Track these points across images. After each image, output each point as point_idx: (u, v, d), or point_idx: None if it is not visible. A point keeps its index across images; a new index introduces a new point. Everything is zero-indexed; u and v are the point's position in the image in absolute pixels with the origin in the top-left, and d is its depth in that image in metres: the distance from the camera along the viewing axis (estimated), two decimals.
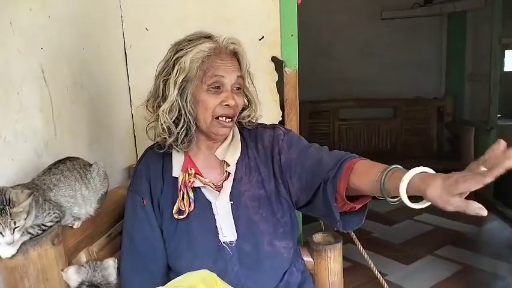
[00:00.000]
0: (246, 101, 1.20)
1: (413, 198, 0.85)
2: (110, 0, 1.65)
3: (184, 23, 1.66)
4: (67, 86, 1.34)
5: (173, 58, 1.09)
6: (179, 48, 1.10)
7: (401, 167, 0.91)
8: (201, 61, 1.07)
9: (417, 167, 0.85)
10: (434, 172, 0.83)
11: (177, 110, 1.10)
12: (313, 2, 4.37)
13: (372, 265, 1.36)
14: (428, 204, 0.82)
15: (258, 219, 1.14)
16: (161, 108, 1.09)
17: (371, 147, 4.56)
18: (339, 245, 1.41)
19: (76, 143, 1.38)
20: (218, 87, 1.09)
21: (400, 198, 0.86)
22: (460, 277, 2.71)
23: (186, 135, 1.12)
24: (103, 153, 1.51)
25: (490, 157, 0.73)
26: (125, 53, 1.71)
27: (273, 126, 1.24)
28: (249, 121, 1.22)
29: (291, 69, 1.69)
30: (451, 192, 0.75)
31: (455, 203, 0.75)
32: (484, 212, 0.72)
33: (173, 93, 1.08)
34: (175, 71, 1.08)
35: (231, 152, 1.17)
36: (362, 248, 1.40)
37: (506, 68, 4.72)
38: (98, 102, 1.53)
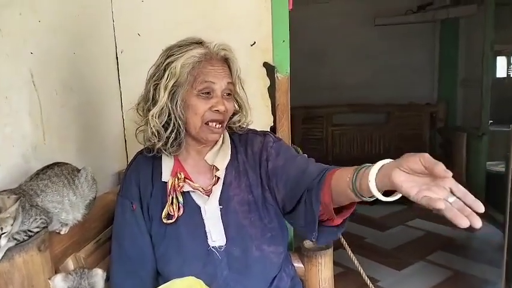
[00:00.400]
0: (236, 106, 1.20)
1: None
2: (101, 5, 1.65)
3: (176, 28, 1.66)
4: (57, 90, 1.34)
5: (165, 63, 1.09)
6: (170, 53, 1.10)
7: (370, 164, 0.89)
8: (191, 66, 1.07)
9: (381, 161, 0.85)
10: None
11: (167, 114, 1.10)
12: (307, 8, 4.40)
13: (362, 271, 1.36)
14: (399, 196, 0.81)
15: (247, 223, 1.14)
16: (151, 112, 1.09)
17: (364, 152, 4.57)
18: (330, 251, 1.40)
19: (65, 148, 1.38)
20: (208, 93, 1.09)
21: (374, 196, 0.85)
22: (451, 283, 2.72)
23: (175, 139, 1.12)
24: (93, 158, 1.50)
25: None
26: (117, 57, 1.70)
27: (264, 133, 1.24)
28: (240, 126, 1.23)
29: (283, 74, 1.69)
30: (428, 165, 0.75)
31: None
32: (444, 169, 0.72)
33: (163, 98, 1.08)
34: (165, 75, 1.08)
35: (221, 157, 1.17)
36: (351, 253, 1.40)
37: (498, 74, 4.77)
38: (88, 107, 1.52)
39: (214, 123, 1.11)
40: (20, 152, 1.16)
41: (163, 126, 1.11)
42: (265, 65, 1.70)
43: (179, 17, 1.69)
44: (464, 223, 0.70)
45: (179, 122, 1.10)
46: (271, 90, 1.71)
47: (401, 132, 4.51)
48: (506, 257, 1.84)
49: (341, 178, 0.95)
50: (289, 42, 1.69)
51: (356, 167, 0.92)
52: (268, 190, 1.16)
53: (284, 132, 1.74)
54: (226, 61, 1.13)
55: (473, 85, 4.00)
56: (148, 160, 1.19)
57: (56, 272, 1.06)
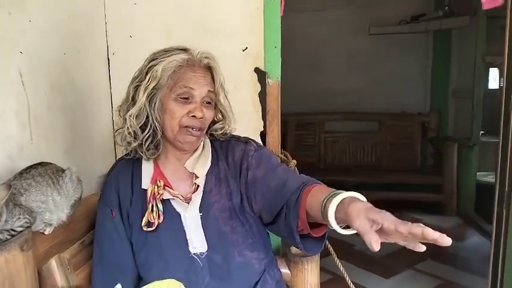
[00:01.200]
0: (220, 116, 1.21)
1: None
2: (94, 6, 1.65)
3: (169, 31, 1.67)
4: (46, 91, 1.33)
5: (147, 66, 1.11)
6: (154, 57, 1.12)
7: (344, 192, 0.90)
8: (172, 70, 1.08)
9: (350, 192, 0.86)
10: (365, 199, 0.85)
11: (145, 116, 1.11)
12: (302, 15, 4.43)
13: (347, 278, 1.36)
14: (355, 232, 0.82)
15: (228, 230, 1.14)
16: (129, 113, 1.11)
17: (356, 160, 4.58)
18: (317, 258, 1.40)
19: (53, 149, 1.37)
20: (186, 98, 1.10)
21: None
22: None
23: (152, 141, 1.13)
24: (81, 159, 1.50)
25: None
26: (108, 59, 1.70)
27: (246, 140, 1.24)
28: (222, 133, 1.23)
29: (274, 80, 1.70)
30: (368, 214, 0.76)
31: (363, 222, 0.76)
32: (375, 248, 0.72)
33: (142, 99, 1.09)
34: (147, 78, 1.09)
35: (201, 164, 1.17)
36: (337, 260, 1.40)
37: (490, 86, 4.82)
38: (78, 108, 1.52)
39: (191, 128, 1.11)
40: (6, 152, 1.16)
41: (140, 127, 1.11)
42: (257, 70, 1.70)
43: (172, 20, 1.70)
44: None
45: (156, 124, 1.11)
46: (262, 96, 1.72)
47: (393, 141, 4.52)
48: (491, 266, 1.85)
49: (314, 203, 0.95)
50: (281, 49, 1.71)
51: (327, 193, 0.92)
52: (246, 200, 1.16)
53: (274, 138, 1.74)
54: (209, 69, 1.14)
55: (465, 96, 4.04)
56: (128, 166, 1.20)
57: (39, 272, 1.05)
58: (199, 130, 1.12)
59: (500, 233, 1.77)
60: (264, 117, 1.72)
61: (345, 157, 4.63)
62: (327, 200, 0.89)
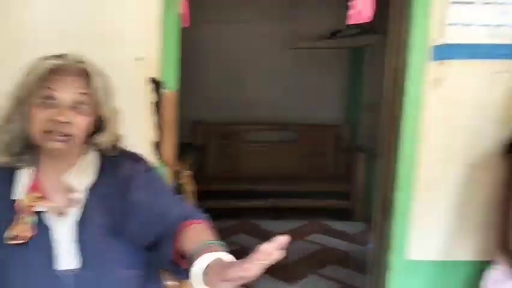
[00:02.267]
0: (104, 125, 1.16)
1: None
2: None
3: (61, 37, 1.63)
4: None
5: (24, 74, 1.09)
6: (31, 64, 1.09)
7: (218, 243, 0.93)
8: (38, 76, 1.06)
9: (214, 253, 0.87)
10: (229, 258, 0.87)
11: (12, 122, 1.09)
12: (222, 28, 4.48)
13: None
14: None
15: (104, 247, 1.11)
16: None
17: (276, 169, 4.68)
18: None
19: None
20: (48, 100, 1.06)
21: None
22: None
23: (17, 148, 1.11)
24: None
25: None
26: None
27: (138, 158, 1.21)
28: (112, 147, 1.18)
29: (170, 90, 1.73)
30: (222, 277, 0.79)
31: None
32: None
33: (9, 107, 1.08)
34: (19, 86, 1.08)
35: (81, 178, 1.14)
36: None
37: None
38: None
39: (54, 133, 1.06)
40: None
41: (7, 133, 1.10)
42: (152, 80, 1.71)
43: (65, 25, 1.66)
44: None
45: (19, 131, 1.10)
46: (157, 106, 1.73)
47: (310, 151, 4.70)
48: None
49: (188, 245, 0.98)
50: (181, 58, 1.74)
51: (196, 247, 0.93)
52: (123, 220, 1.12)
53: (169, 148, 1.76)
54: (85, 75, 1.10)
55: (376, 109, 4.28)
56: (5, 175, 1.14)
57: None
58: (64, 136, 1.07)
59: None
60: (158, 128, 1.73)
61: (266, 166, 4.73)
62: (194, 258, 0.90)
